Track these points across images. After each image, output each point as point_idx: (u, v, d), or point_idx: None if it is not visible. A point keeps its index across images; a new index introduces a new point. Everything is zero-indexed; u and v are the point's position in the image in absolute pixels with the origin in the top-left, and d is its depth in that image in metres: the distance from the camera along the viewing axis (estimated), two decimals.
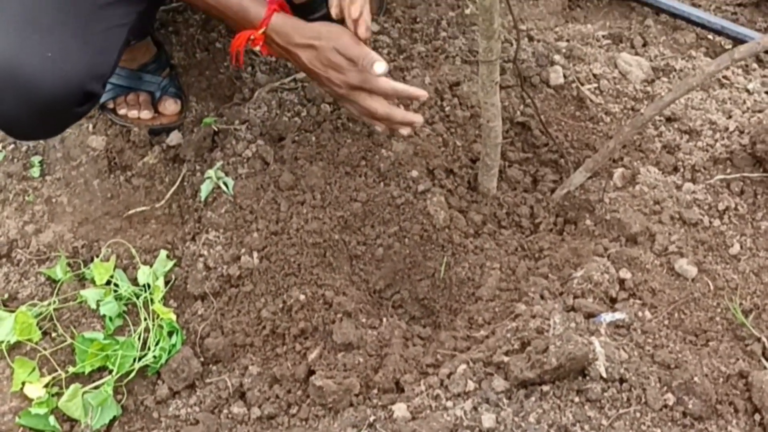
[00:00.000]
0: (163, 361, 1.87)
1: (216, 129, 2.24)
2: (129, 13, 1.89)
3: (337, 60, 1.87)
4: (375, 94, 1.91)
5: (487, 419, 1.60)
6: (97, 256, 2.08)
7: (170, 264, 2.03)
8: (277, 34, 1.89)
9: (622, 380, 1.62)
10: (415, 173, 2.09)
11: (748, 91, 2.42)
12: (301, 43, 1.88)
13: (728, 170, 2.14)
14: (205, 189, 2.09)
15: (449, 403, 1.65)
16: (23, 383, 1.86)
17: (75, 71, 1.63)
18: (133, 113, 2.30)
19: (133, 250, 2.07)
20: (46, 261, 2.10)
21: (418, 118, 1.95)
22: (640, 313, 1.79)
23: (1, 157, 2.30)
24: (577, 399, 1.61)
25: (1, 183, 2.24)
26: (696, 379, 1.64)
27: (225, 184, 2.07)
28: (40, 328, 1.96)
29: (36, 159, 2.28)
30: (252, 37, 1.88)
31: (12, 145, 2.32)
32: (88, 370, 1.88)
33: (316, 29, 1.89)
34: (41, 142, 2.32)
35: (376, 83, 1.88)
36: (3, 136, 2.34)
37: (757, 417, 1.65)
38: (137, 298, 1.98)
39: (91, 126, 2.34)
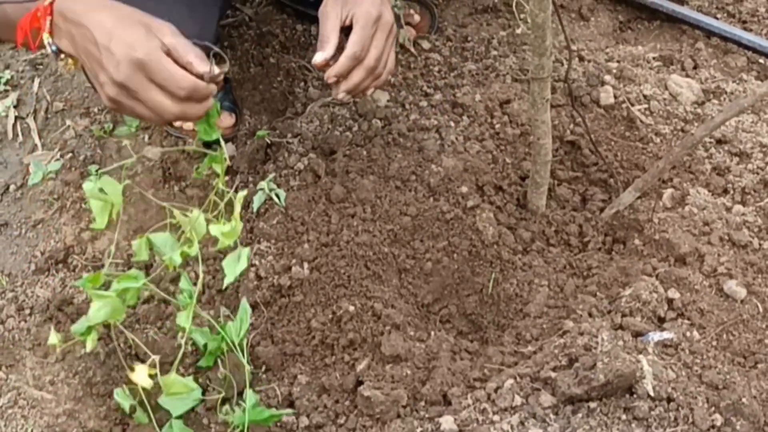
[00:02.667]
0: None
1: (269, 142, 2.28)
2: None
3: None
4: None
5: None
6: (152, 265, 2.12)
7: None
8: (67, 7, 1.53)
9: (669, 399, 1.62)
10: (464, 189, 2.11)
11: None
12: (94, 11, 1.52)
13: None
14: (257, 200, 2.12)
15: (496, 417, 1.67)
16: None
17: (187, 36, 1.66)
18: (189, 125, 2.34)
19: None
20: (101, 267, 2.14)
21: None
22: (688, 333, 1.79)
23: (59, 166, 2.35)
24: (624, 416, 1.61)
25: (59, 190, 2.30)
26: (744, 400, 1.64)
27: (277, 195, 2.10)
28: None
29: (93, 168, 2.34)
30: (39, 14, 1.55)
31: (70, 154, 2.38)
32: None
33: (116, 21, 1.51)
34: (98, 150, 2.38)
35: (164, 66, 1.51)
36: (62, 145, 2.39)
37: None
38: None
39: (146, 137, 2.40)
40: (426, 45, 2.57)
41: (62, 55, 1.58)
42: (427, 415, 1.73)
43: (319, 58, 1.81)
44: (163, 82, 1.48)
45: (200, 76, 1.53)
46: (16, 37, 1.59)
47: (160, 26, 1.54)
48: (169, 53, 1.51)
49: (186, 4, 1.81)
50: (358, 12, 1.82)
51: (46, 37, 1.54)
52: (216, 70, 1.56)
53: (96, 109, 2.48)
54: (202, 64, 1.53)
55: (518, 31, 2.63)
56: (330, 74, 1.83)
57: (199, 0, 1.85)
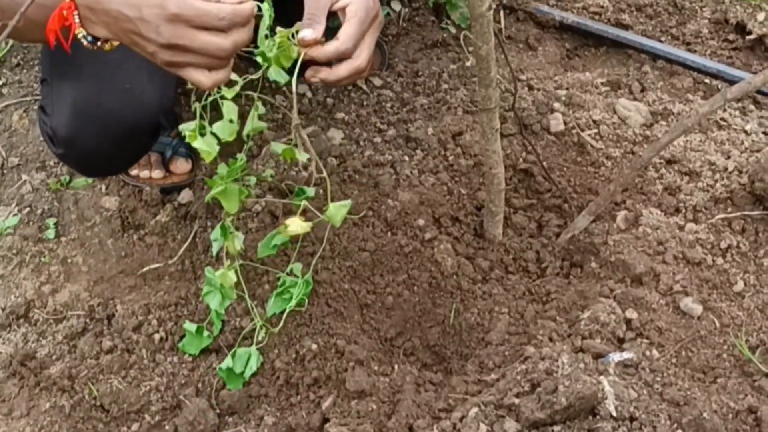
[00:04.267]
0: None
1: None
2: None
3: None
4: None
5: None
6: (113, 315, 2.12)
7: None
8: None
9: (632, 418, 1.64)
10: (421, 222, 2.13)
11: (745, 131, 2.46)
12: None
13: (729, 209, 2.18)
14: (216, 245, 2.13)
15: None
16: None
17: (149, 102, 1.65)
18: (145, 173, 2.36)
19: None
20: (63, 320, 2.13)
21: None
22: (647, 352, 1.82)
23: (17, 221, 2.35)
24: None
25: (17, 245, 2.29)
26: (705, 415, 1.66)
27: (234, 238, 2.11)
28: None
29: (51, 221, 2.34)
30: (65, 12, 1.52)
31: (27, 208, 2.37)
32: None
33: None
34: (55, 203, 2.38)
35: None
36: (19, 200, 2.39)
37: None
38: None
39: (103, 187, 2.40)
40: (378, 82, 2.60)
41: (99, 42, 1.57)
42: None
43: (308, 35, 1.63)
44: (204, 22, 1.44)
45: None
46: (46, 37, 1.55)
47: None
48: None
49: (146, 70, 1.82)
50: (356, 2, 1.69)
51: (79, 32, 1.54)
52: None
53: (51, 163, 2.47)
54: None
55: (468, 63, 2.67)
56: (316, 74, 1.69)
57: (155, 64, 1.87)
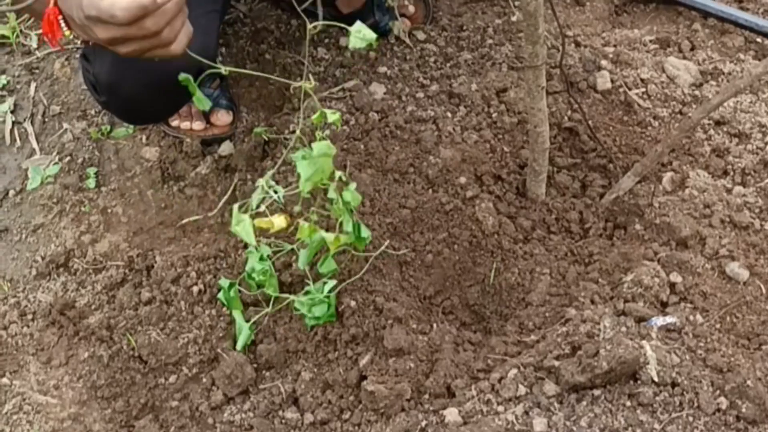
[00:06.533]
0: None
1: (266, 139, 2.27)
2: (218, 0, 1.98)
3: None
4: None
5: (539, 423, 1.61)
6: (152, 266, 2.12)
7: None
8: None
9: (674, 384, 1.62)
10: (463, 179, 2.10)
11: None
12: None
13: None
14: (255, 198, 2.12)
15: (500, 408, 1.66)
16: None
17: (190, 49, 1.65)
18: (186, 124, 2.35)
19: None
20: (102, 270, 2.14)
21: None
22: (691, 317, 1.79)
23: (57, 169, 2.35)
24: (628, 403, 1.61)
25: (58, 194, 2.30)
26: (749, 382, 1.63)
27: (275, 191, 2.09)
28: None
29: (92, 170, 2.34)
30: (51, 18, 1.55)
31: (68, 157, 2.38)
32: None
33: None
34: (96, 153, 2.37)
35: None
36: (60, 148, 2.39)
37: None
38: None
39: (144, 137, 2.39)
40: (421, 36, 2.56)
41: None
42: (431, 408, 1.73)
43: None
44: (115, 18, 1.42)
45: None
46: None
47: None
48: None
49: (189, 18, 1.81)
50: None
51: (67, 34, 1.56)
52: None
53: (93, 112, 2.47)
54: None
55: (513, 18, 2.62)
56: None
57: (200, 12, 1.85)
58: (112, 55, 1.57)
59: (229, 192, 2.22)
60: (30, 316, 2.08)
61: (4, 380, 1.99)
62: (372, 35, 1.54)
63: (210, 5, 1.94)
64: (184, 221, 2.21)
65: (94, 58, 1.88)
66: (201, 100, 1.72)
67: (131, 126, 2.42)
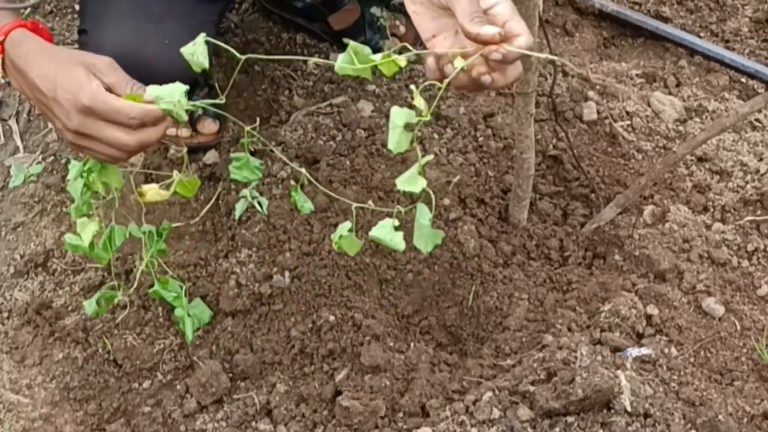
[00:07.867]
0: None
1: (252, 150, 2.27)
2: (214, 11, 2.01)
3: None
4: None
5: None
6: (131, 270, 2.11)
7: None
8: (14, 49, 1.58)
9: (646, 415, 1.63)
10: (446, 201, 2.11)
11: None
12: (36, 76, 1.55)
13: (758, 212, 2.16)
14: (239, 208, 2.11)
15: (474, 430, 1.67)
16: None
17: (185, 60, 1.67)
18: (172, 131, 2.34)
19: None
20: (80, 272, 2.13)
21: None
22: (666, 350, 1.80)
23: (40, 169, 2.34)
24: (601, 431, 1.62)
25: (39, 194, 2.28)
26: (720, 417, 1.65)
27: (259, 203, 2.09)
28: None
29: None
30: None
31: (52, 157, 2.37)
32: None
33: (57, 69, 1.53)
34: (80, 154, 2.36)
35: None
36: (44, 148, 2.38)
37: None
38: None
39: None
40: (412, 57, 2.57)
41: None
42: (405, 427, 1.74)
43: (490, 30, 1.34)
44: (114, 118, 1.49)
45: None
46: None
47: (100, 65, 1.54)
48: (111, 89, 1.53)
49: (187, 28, 1.82)
50: None
51: None
52: None
53: None
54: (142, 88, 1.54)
55: None
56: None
57: (197, 23, 1.86)
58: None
59: (212, 201, 2.21)
60: (6, 314, 2.07)
61: None
62: (403, 62, 1.44)
63: (207, 16, 1.95)
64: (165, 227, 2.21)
65: None
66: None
67: None
